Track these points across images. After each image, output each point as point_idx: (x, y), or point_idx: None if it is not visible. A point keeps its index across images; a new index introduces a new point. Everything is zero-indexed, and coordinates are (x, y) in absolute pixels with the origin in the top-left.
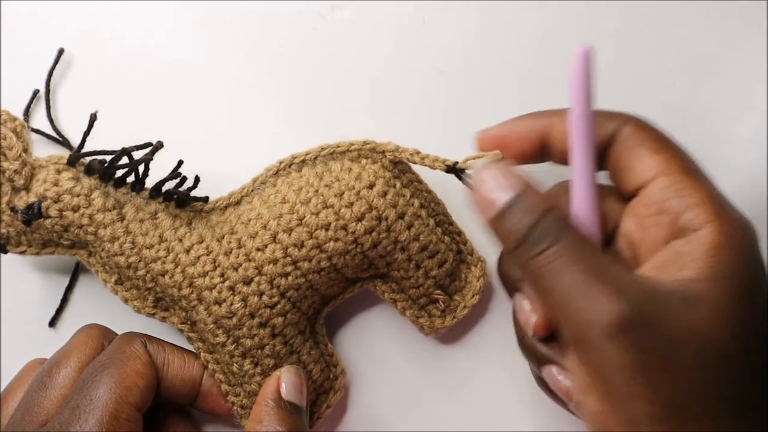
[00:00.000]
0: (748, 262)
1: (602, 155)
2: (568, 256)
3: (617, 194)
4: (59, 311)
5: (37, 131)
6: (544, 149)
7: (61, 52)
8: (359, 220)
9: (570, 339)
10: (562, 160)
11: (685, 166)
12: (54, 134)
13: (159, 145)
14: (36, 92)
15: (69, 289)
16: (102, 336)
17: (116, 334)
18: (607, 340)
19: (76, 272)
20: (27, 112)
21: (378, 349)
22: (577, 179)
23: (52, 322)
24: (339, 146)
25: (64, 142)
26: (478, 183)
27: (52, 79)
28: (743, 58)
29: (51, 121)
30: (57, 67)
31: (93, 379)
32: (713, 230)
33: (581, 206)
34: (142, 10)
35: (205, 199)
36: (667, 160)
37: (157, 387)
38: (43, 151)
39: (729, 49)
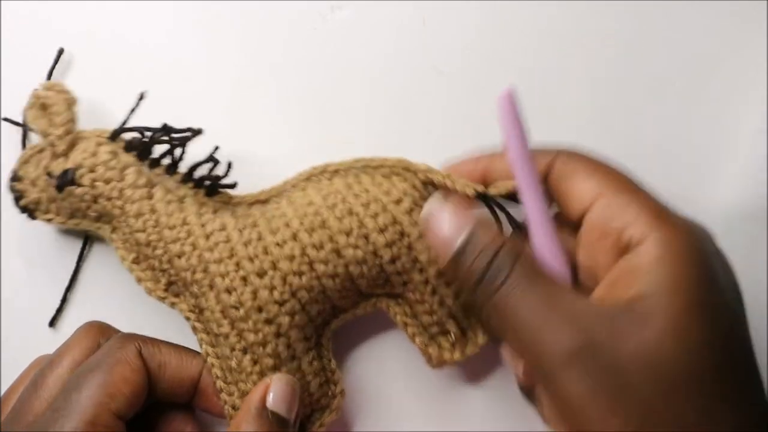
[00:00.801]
0: (697, 269)
1: (547, 189)
2: (520, 289)
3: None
4: (59, 311)
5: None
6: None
7: (60, 52)
8: (381, 231)
9: (533, 373)
10: (506, 196)
11: (619, 184)
12: None
13: (198, 131)
14: None
15: (69, 289)
16: (99, 334)
17: (116, 331)
18: (562, 370)
19: (76, 272)
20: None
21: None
22: (532, 221)
23: (52, 322)
24: (372, 161)
25: None
26: (430, 226)
27: (52, 79)
28: (743, 58)
29: None
30: (57, 67)
31: (77, 381)
32: (654, 242)
33: (543, 249)
34: (142, 10)
35: (233, 186)
36: (600, 182)
37: (155, 388)
38: None
39: (729, 49)
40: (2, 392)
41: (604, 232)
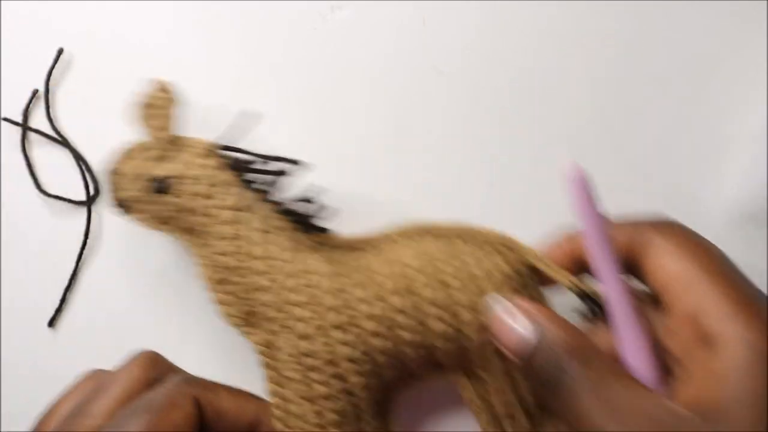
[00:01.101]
0: None
1: (631, 264)
2: (586, 395)
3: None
4: (59, 311)
5: (37, 131)
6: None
7: (60, 51)
8: (472, 310)
9: None
10: None
11: (704, 266)
12: (53, 134)
13: (303, 164)
14: (35, 92)
15: (69, 289)
16: (151, 366)
17: (169, 364)
18: None
19: (75, 272)
20: (26, 112)
21: None
22: (614, 311)
23: (52, 322)
24: (476, 231)
25: (63, 142)
26: (498, 321)
27: (52, 78)
28: (743, 58)
29: (50, 121)
30: (57, 67)
31: (128, 421)
32: (736, 341)
33: (625, 340)
34: (142, 10)
35: (326, 230)
36: (685, 263)
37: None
38: (41, 150)
39: (729, 49)
40: (1, 392)
41: (685, 318)
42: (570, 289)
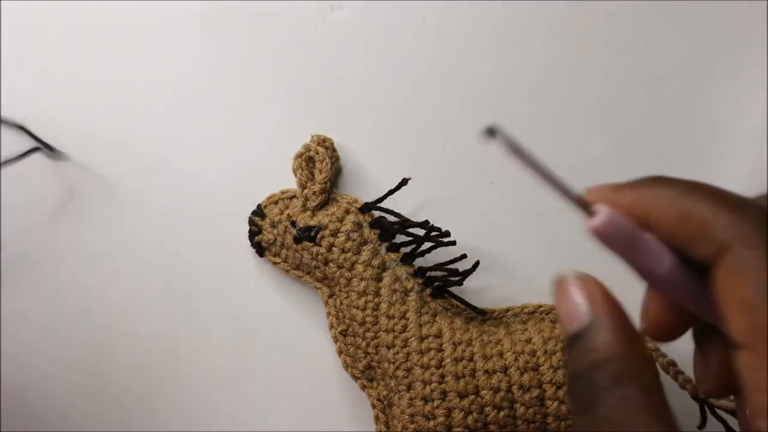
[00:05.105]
0: None
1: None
2: (603, 410)
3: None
4: None
5: (27, 131)
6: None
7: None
8: None
9: None
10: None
11: None
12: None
13: (452, 243)
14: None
15: None
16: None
17: None
18: None
19: None
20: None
21: None
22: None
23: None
24: None
25: (46, 146)
26: (561, 289)
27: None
28: (743, 58)
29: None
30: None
31: None
32: None
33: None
34: (142, 10)
35: (462, 300)
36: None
37: None
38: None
39: (729, 49)
40: (1, 392)
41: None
42: (687, 391)
